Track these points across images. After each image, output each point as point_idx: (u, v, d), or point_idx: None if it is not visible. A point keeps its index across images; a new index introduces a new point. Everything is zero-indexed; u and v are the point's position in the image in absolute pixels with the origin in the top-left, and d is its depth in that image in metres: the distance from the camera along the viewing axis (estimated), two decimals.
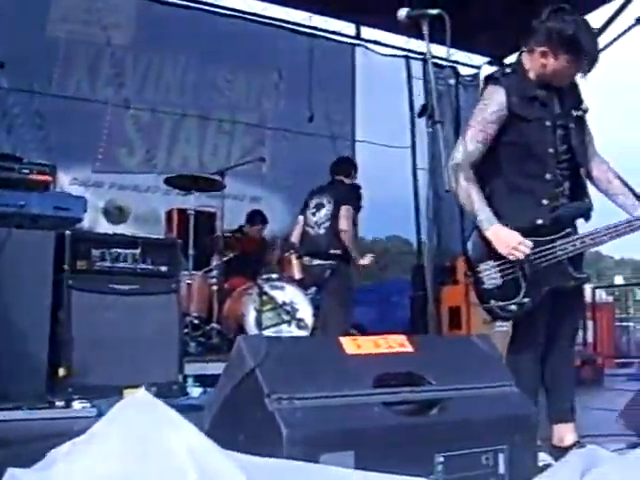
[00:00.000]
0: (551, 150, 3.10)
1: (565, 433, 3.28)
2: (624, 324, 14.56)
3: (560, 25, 3.02)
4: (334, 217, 6.25)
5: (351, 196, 6.38)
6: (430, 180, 9.97)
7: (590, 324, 10.30)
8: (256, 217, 7.97)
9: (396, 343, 2.19)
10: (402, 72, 11.01)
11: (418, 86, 10.85)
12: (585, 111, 3.26)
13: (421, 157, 10.56)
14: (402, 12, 3.10)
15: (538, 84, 3.15)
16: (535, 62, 3.14)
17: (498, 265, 3.05)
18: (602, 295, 13.52)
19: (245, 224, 7.94)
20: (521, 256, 2.95)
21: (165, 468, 1.50)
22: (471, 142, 3.08)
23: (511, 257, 2.97)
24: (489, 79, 3.20)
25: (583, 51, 3.00)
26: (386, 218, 10.16)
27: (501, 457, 2.17)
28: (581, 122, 3.23)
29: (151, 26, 9.09)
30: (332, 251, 6.16)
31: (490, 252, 3.04)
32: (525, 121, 3.08)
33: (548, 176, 3.09)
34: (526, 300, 3.02)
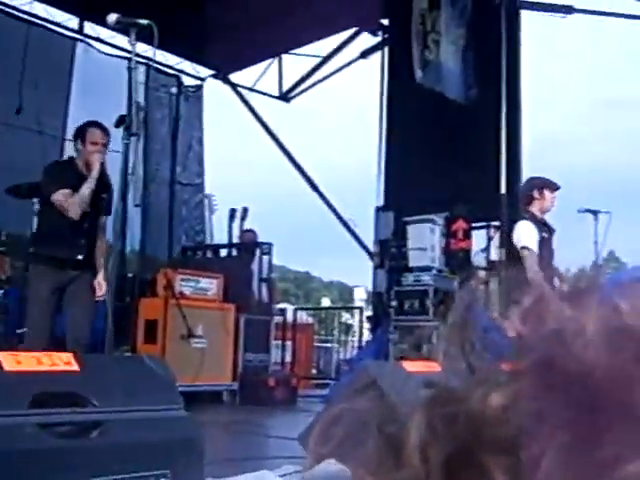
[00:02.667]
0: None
1: None
2: (327, 345, 15.07)
3: None
4: None
5: None
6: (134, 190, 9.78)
7: (289, 344, 10.58)
8: None
9: (61, 361, 2.09)
10: (125, 74, 10.72)
11: (141, 90, 10.64)
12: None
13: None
14: (112, 17, 3.02)
15: None
16: None
17: None
18: (303, 316, 14.04)
19: None
20: None
21: None
22: None
23: None
24: None
25: None
26: None
27: None
28: None
29: None
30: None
31: None
32: None
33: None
34: None
